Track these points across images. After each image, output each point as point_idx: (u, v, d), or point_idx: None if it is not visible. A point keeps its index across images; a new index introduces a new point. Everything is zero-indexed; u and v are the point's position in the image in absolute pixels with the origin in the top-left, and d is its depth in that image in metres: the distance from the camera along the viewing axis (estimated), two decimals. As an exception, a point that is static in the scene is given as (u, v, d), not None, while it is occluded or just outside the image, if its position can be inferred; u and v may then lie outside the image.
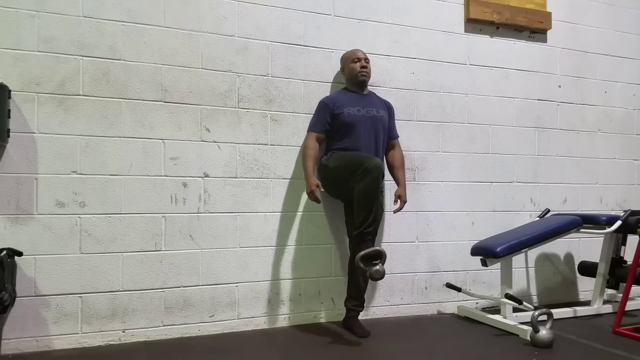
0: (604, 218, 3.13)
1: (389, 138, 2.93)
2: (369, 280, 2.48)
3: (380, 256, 2.40)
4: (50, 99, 2.47)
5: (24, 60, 2.43)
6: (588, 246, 3.58)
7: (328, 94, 2.94)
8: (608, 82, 3.73)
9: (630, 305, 3.17)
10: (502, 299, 2.90)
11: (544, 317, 2.58)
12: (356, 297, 2.71)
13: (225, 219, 2.76)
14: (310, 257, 2.92)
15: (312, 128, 2.80)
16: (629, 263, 3.14)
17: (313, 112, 2.91)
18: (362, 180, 2.46)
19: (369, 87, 2.93)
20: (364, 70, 2.81)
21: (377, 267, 2.36)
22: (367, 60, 2.85)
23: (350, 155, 2.65)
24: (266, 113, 2.86)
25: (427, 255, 3.19)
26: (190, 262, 2.69)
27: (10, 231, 2.40)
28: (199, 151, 2.72)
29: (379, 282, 3.04)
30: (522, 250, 2.94)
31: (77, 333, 2.49)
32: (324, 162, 2.77)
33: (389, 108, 2.94)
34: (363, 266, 2.39)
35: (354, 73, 2.81)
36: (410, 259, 3.15)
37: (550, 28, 3.53)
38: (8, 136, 2.37)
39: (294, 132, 2.91)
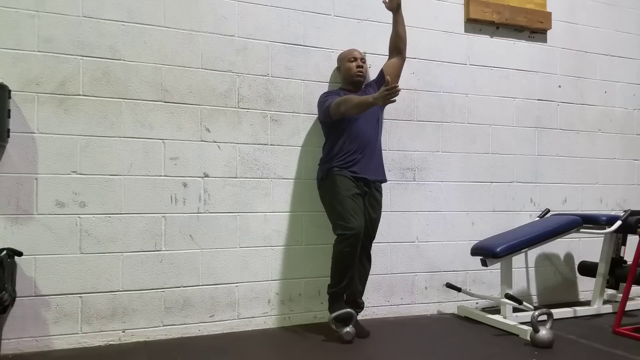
0: (604, 218, 3.13)
1: (382, 71, 2.87)
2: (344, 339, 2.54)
3: (352, 318, 2.55)
4: (50, 99, 2.47)
5: (24, 60, 2.43)
6: (588, 246, 3.58)
7: (328, 94, 2.94)
8: (608, 82, 3.73)
9: (630, 305, 3.16)
10: (502, 299, 2.90)
11: (544, 317, 2.58)
12: (353, 300, 2.72)
13: (225, 219, 2.76)
14: (310, 257, 2.92)
15: (332, 101, 2.67)
16: (629, 263, 3.13)
17: (313, 112, 2.91)
18: (339, 245, 2.56)
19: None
20: (360, 70, 2.80)
21: (348, 329, 2.52)
22: (363, 60, 2.84)
23: (342, 202, 2.58)
24: (266, 113, 2.86)
25: (427, 255, 3.19)
26: (190, 262, 2.69)
27: (10, 231, 2.40)
28: (199, 151, 2.72)
29: (380, 282, 3.05)
30: (522, 250, 2.94)
31: (77, 333, 2.49)
32: (323, 182, 2.72)
33: (375, 83, 2.88)
34: (335, 327, 2.53)
35: (350, 73, 2.80)
36: (410, 259, 3.15)
37: (550, 28, 3.53)
38: (8, 136, 2.37)
39: (294, 132, 2.91)
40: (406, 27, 3.10)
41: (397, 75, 2.89)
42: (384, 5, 2.87)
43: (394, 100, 2.43)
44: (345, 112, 2.59)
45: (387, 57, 2.95)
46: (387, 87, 2.38)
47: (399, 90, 2.39)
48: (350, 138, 2.69)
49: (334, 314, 2.54)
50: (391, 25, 3.11)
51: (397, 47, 2.89)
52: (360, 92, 2.83)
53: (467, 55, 3.34)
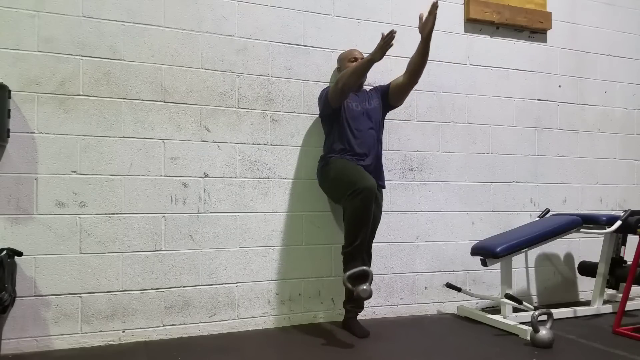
0: (604, 218, 3.13)
1: (390, 84, 2.85)
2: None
3: (367, 276, 2.45)
4: (50, 99, 2.47)
5: (24, 60, 2.43)
6: (588, 246, 3.58)
7: (328, 94, 2.94)
8: (608, 82, 3.73)
9: (630, 305, 3.17)
10: (502, 299, 2.90)
11: (544, 317, 2.58)
12: (354, 299, 2.72)
13: (225, 219, 2.76)
14: (310, 257, 2.92)
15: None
16: (629, 263, 3.14)
17: (313, 112, 2.92)
18: (352, 201, 2.47)
19: (365, 86, 2.92)
20: None
21: (364, 286, 2.41)
22: None
23: (348, 170, 2.60)
24: (266, 113, 2.86)
25: (427, 255, 3.19)
26: (190, 262, 2.69)
27: (10, 231, 2.40)
28: (199, 151, 2.72)
29: (380, 282, 3.04)
30: (522, 250, 2.94)
31: (77, 333, 2.49)
32: (325, 167, 2.75)
33: (379, 90, 2.88)
34: (350, 286, 2.44)
35: None
36: (410, 259, 3.15)
37: (550, 28, 3.53)
38: (8, 136, 2.37)
39: (294, 132, 2.91)
40: (406, 27, 3.11)
41: (402, 94, 2.84)
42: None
43: (392, 45, 2.44)
44: (344, 86, 2.57)
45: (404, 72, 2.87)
46: (383, 39, 2.40)
47: (395, 32, 2.39)
48: (351, 137, 2.70)
49: (347, 273, 2.44)
50: (391, 25, 3.12)
51: (414, 71, 2.75)
52: (361, 94, 2.84)
53: (467, 55, 3.34)
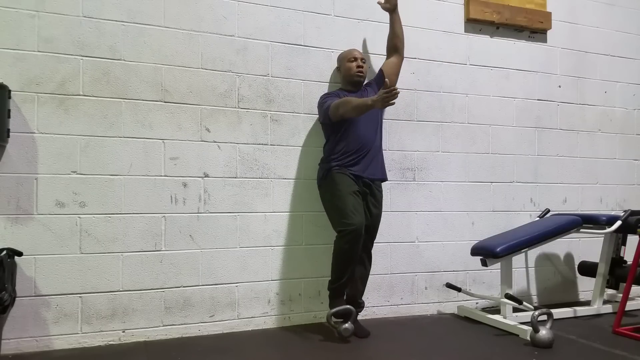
0: (604, 218, 3.13)
1: (382, 70, 2.90)
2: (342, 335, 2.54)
3: (350, 314, 2.54)
4: (50, 99, 2.47)
5: (24, 60, 2.43)
6: (588, 246, 3.58)
7: (328, 94, 2.94)
8: (608, 82, 3.73)
9: (630, 305, 3.16)
10: (502, 299, 2.90)
11: (544, 317, 2.58)
12: (353, 300, 2.72)
13: (225, 219, 2.76)
14: (310, 257, 2.92)
15: (330, 103, 2.68)
16: (629, 263, 3.13)
17: (313, 112, 2.91)
18: (339, 241, 2.56)
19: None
20: (360, 69, 2.80)
21: (346, 325, 2.51)
22: (363, 60, 2.84)
23: (342, 199, 2.59)
24: (266, 113, 2.86)
25: (427, 255, 3.19)
26: (190, 262, 2.69)
27: (10, 231, 2.40)
28: (199, 151, 2.72)
29: (380, 282, 3.04)
30: (522, 250, 2.94)
31: (77, 333, 2.49)
32: (324, 181, 2.73)
33: (374, 81, 2.89)
34: (333, 323, 2.53)
35: (350, 73, 2.80)
36: (410, 259, 3.15)
37: (550, 28, 3.53)
38: (8, 136, 2.37)
39: (294, 132, 2.91)
40: (406, 27, 3.10)
41: (396, 75, 2.91)
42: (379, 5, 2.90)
43: (393, 103, 2.45)
44: (344, 114, 2.61)
45: (385, 57, 2.97)
46: (385, 89, 2.39)
47: (398, 93, 2.39)
48: (350, 139, 2.69)
49: (332, 310, 2.54)
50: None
51: (395, 46, 2.93)
52: (359, 92, 2.83)
53: (467, 55, 3.34)
